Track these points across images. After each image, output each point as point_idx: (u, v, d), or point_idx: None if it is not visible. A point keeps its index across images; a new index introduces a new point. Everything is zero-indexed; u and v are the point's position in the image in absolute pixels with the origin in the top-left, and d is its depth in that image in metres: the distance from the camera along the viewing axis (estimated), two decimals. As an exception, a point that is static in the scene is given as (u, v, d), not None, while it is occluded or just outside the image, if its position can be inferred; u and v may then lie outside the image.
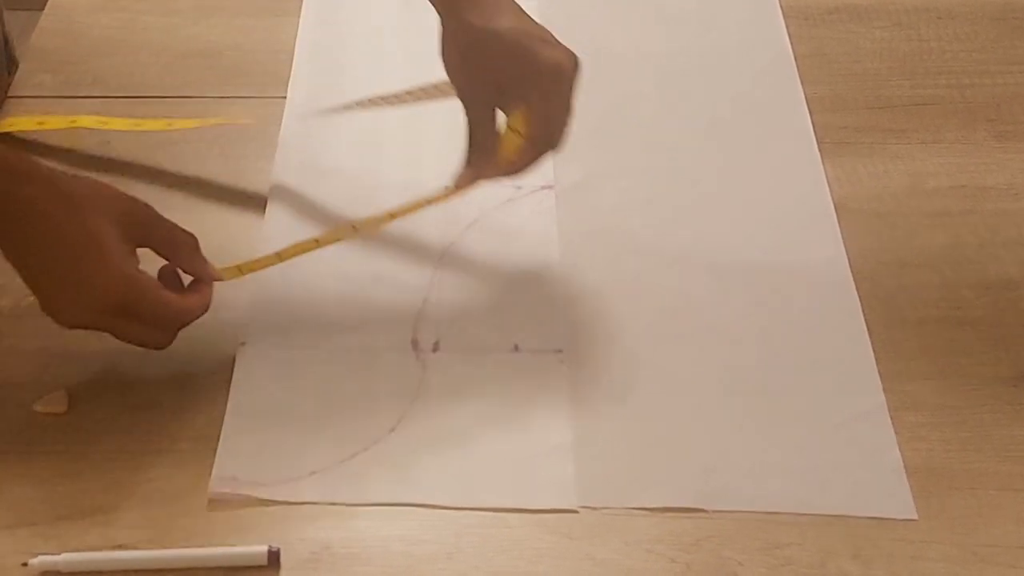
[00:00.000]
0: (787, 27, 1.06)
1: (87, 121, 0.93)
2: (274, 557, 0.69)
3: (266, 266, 0.81)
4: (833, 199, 0.91)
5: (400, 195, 0.83)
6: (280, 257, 0.81)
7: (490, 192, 0.87)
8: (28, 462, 0.74)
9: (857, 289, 0.85)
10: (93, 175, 0.79)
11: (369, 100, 0.94)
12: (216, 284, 0.79)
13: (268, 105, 0.97)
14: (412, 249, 0.87)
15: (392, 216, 0.82)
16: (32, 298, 0.74)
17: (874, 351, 0.81)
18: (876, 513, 0.73)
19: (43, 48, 1.03)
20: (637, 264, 0.87)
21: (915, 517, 0.73)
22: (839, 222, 0.89)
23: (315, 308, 0.83)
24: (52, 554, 0.69)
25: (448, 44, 0.80)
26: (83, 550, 0.70)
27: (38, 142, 0.93)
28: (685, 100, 1.00)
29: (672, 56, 1.04)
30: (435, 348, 0.81)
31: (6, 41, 1.04)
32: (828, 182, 0.92)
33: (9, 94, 0.98)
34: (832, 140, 0.96)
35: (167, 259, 0.77)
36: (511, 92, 0.78)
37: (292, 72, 1.00)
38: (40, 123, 0.93)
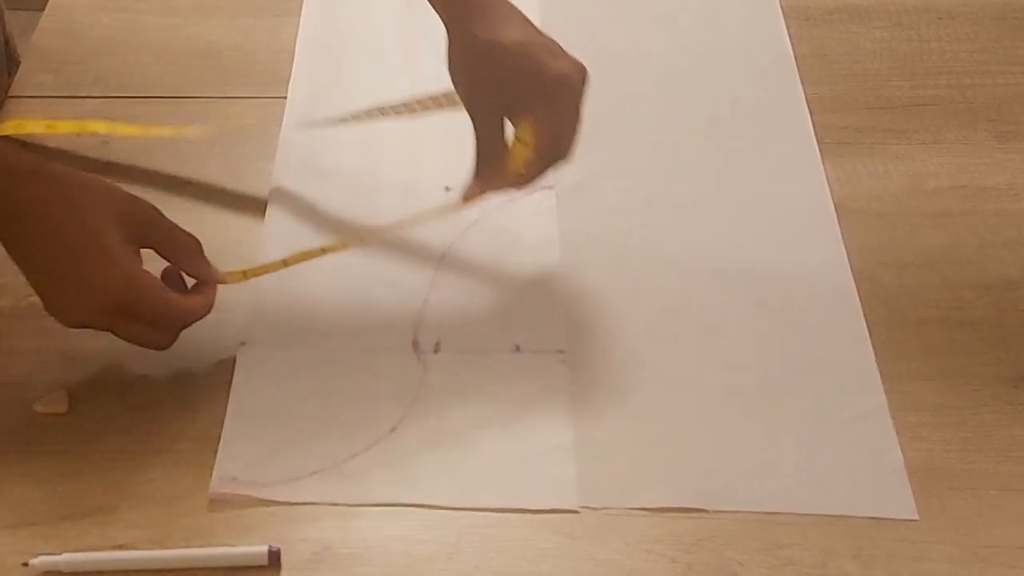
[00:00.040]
0: (787, 27, 1.06)
1: (96, 126, 0.93)
2: (274, 557, 0.69)
3: (271, 271, 0.81)
4: (833, 199, 0.91)
5: (400, 196, 0.82)
6: (286, 264, 0.81)
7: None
8: (28, 462, 0.74)
9: (857, 289, 0.85)
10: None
11: (374, 110, 0.94)
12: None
13: (268, 105, 0.97)
14: (413, 250, 0.87)
15: (399, 228, 0.82)
16: (32, 298, 0.74)
17: (875, 351, 0.81)
18: (877, 513, 0.73)
19: (44, 48, 1.03)
20: (638, 264, 0.87)
21: (916, 517, 0.73)
22: (839, 222, 0.89)
23: (316, 309, 0.83)
24: (53, 554, 0.69)
25: (455, 57, 0.80)
26: (84, 550, 0.70)
27: (39, 142, 0.93)
28: (685, 100, 1.00)
29: (672, 56, 1.04)
30: (436, 349, 0.81)
31: (7, 41, 1.04)
32: (828, 182, 0.92)
33: (10, 94, 0.98)
34: (832, 140, 0.96)
35: (169, 260, 0.77)
36: (519, 104, 0.78)
37: (292, 72, 1.00)
38: (49, 126, 0.93)
